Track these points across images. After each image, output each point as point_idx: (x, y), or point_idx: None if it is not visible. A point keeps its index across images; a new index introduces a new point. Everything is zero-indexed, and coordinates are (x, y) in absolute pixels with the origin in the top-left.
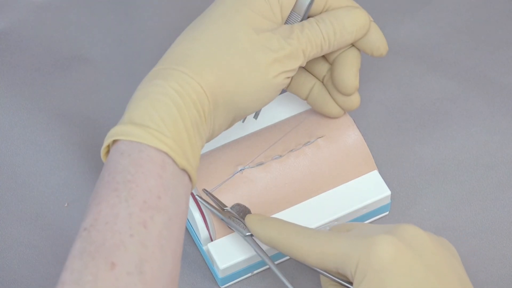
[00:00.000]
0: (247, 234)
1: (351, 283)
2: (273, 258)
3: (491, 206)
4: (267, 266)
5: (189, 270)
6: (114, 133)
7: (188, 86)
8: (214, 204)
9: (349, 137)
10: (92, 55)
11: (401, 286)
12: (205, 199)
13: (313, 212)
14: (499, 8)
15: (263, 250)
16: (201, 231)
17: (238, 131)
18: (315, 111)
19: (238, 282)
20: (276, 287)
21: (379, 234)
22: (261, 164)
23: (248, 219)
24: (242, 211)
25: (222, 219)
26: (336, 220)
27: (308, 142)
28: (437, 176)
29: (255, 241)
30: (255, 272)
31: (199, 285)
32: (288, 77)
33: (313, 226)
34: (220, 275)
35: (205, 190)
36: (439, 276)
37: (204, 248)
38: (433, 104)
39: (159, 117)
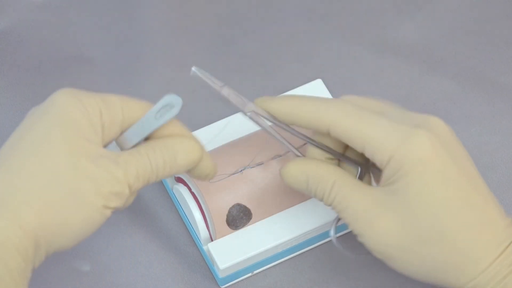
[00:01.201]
0: (248, 112)
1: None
2: (273, 258)
3: None
4: (267, 266)
5: (189, 270)
6: None
7: (11, 233)
8: (211, 82)
9: None
10: (92, 55)
11: (442, 185)
12: (202, 76)
13: (313, 212)
14: (499, 8)
15: (268, 125)
16: (201, 231)
17: (238, 131)
18: None
19: (238, 282)
20: (276, 287)
21: (416, 128)
22: (261, 164)
23: (259, 100)
24: (242, 211)
25: (222, 98)
26: (336, 219)
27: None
28: None
29: (258, 118)
30: (255, 272)
31: (199, 285)
32: (114, 210)
33: (313, 226)
34: (220, 275)
35: (196, 68)
36: (469, 177)
37: (204, 248)
38: (433, 104)
39: None
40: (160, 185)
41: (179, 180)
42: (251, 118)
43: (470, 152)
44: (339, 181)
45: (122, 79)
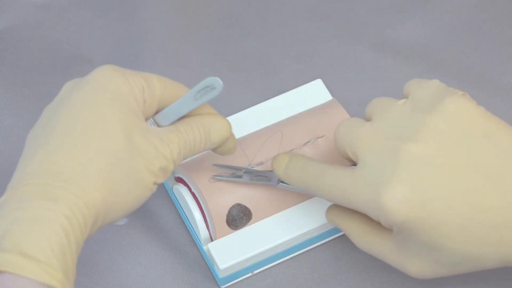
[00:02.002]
0: (277, 184)
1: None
2: (273, 258)
3: None
4: (267, 266)
5: (189, 270)
6: (2, 262)
7: (76, 210)
8: (231, 175)
9: None
10: (92, 55)
11: (429, 222)
12: (221, 174)
13: (313, 212)
14: (499, 8)
15: (295, 189)
16: (201, 231)
17: (238, 131)
18: (315, 111)
19: (238, 282)
20: (276, 287)
21: (384, 191)
22: (261, 164)
23: (275, 165)
24: (242, 211)
25: (248, 182)
26: None
27: (308, 142)
28: None
29: (286, 186)
30: (255, 272)
31: (199, 285)
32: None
33: (313, 226)
34: (220, 275)
35: (216, 164)
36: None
37: (204, 248)
38: None
39: (50, 249)
40: (160, 185)
41: (179, 180)
42: (280, 187)
43: None
44: (361, 227)
45: None
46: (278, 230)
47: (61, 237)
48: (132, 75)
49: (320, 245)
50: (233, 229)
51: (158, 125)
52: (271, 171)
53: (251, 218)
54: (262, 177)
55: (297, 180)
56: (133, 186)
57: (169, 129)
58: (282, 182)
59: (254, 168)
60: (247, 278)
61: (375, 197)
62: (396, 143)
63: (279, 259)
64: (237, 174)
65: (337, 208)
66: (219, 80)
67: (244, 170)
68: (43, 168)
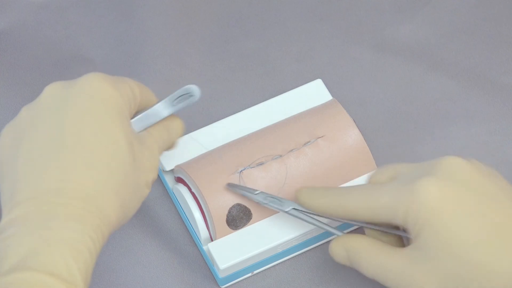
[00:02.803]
0: (286, 210)
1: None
2: (273, 258)
3: None
4: (267, 266)
5: (189, 270)
6: (32, 281)
7: (99, 230)
8: (246, 189)
9: (349, 137)
10: (92, 55)
11: (455, 222)
12: (236, 186)
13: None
14: (499, 8)
15: (310, 218)
16: (202, 231)
17: (238, 131)
18: (315, 111)
19: (238, 282)
20: (276, 287)
21: (419, 180)
22: (261, 164)
23: (299, 195)
24: (242, 211)
25: (259, 203)
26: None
27: (308, 142)
28: None
29: (298, 214)
30: (255, 272)
31: (199, 285)
32: None
33: (313, 226)
34: (220, 275)
35: (231, 184)
36: (491, 201)
37: (205, 248)
38: (433, 104)
39: (77, 269)
40: (160, 185)
41: (179, 180)
42: (292, 214)
43: (470, 152)
44: (372, 250)
45: None
46: (278, 230)
47: (86, 257)
48: (119, 83)
49: (320, 245)
50: (233, 229)
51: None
52: (283, 199)
53: (251, 218)
54: (275, 200)
55: (321, 202)
56: (136, 200)
57: (146, 135)
58: (295, 209)
59: (267, 192)
60: (247, 278)
61: (406, 188)
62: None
63: (279, 259)
64: (250, 191)
65: (342, 239)
66: (197, 88)
67: (258, 191)
68: (62, 187)
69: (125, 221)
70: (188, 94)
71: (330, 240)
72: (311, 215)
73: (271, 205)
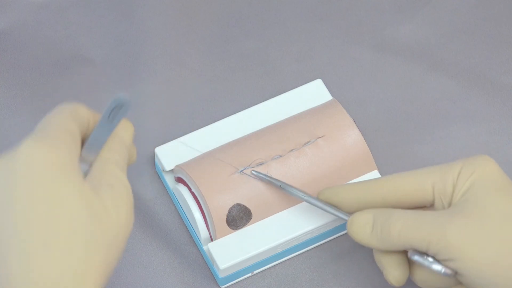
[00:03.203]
0: (305, 198)
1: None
2: (273, 258)
3: None
4: (267, 266)
5: (189, 270)
6: None
7: None
8: (272, 180)
9: (349, 137)
10: (92, 55)
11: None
12: (260, 173)
13: (314, 212)
14: (499, 8)
15: (328, 206)
16: (202, 231)
17: (238, 131)
18: (315, 111)
19: (238, 282)
20: (276, 287)
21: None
22: (261, 164)
23: (324, 193)
24: (242, 211)
25: (282, 189)
26: (336, 220)
27: (308, 142)
28: None
29: (316, 202)
30: (255, 272)
31: (199, 285)
32: None
33: (313, 226)
34: (220, 275)
35: (256, 172)
36: None
37: (205, 248)
38: (433, 104)
39: None
40: (160, 185)
41: (179, 180)
42: (313, 204)
43: (470, 152)
44: (402, 210)
45: (122, 79)
46: (278, 230)
47: None
48: (57, 137)
49: (320, 245)
50: (233, 229)
51: (86, 160)
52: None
53: (251, 218)
54: (293, 189)
55: (350, 195)
56: (115, 254)
57: (100, 174)
58: (309, 197)
59: (290, 185)
60: (247, 278)
61: (458, 160)
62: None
63: (279, 259)
64: (274, 180)
65: (367, 210)
66: (125, 95)
67: (281, 184)
68: (27, 277)
69: (110, 275)
70: (119, 105)
71: (330, 240)
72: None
73: (299, 194)
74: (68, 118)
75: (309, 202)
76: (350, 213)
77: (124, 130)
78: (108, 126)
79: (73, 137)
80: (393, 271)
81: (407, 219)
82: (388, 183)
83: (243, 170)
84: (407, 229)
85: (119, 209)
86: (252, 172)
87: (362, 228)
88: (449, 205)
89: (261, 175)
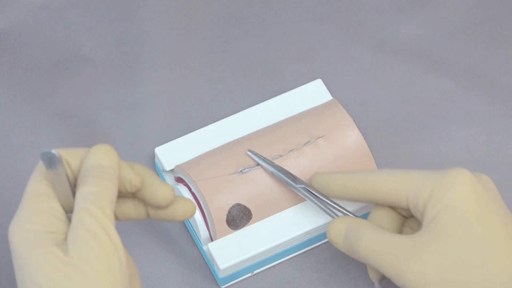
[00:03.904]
0: (297, 186)
1: None
2: (273, 258)
3: None
4: (267, 266)
5: (189, 270)
6: None
7: None
8: (264, 158)
9: (349, 137)
10: (92, 55)
11: (477, 218)
12: (256, 154)
13: (313, 212)
14: (499, 8)
15: (319, 198)
16: (202, 231)
17: (238, 131)
18: (315, 111)
19: (238, 282)
20: (276, 287)
21: (452, 168)
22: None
23: (315, 177)
24: (242, 211)
25: (272, 172)
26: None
27: (308, 142)
28: None
29: (307, 191)
30: (255, 272)
31: (199, 285)
32: None
33: (313, 226)
34: (220, 275)
35: (250, 151)
36: (508, 222)
37: (205, 248)
38: (433, 104)
39: None
40: None
41: (179, 180)
42: (301, 192)
43: (470, 152)
44: (373, 227)
45: (122, 79)
46: (278, 230)
47: None
48: (28, 222)
49: (320, 245)
50: (233, 229)
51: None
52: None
53: (251, 218)
54: (290, 176)
55: (339, 182)
56: None
57: (74, 218)
58: (306, 188)
59: (283, 169)
60: (247, 278)
61: (436, 172)
62: None
63: (279, 259)
64: (268, 162)
65: (345, 217)
66: (47, 150)
67: (277, 164)
68: None
69: None
70: (50, 159)
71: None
72: (321, 197)
73: (284, 179)
74: (41, 185)
75: (297, 192)
76: (338, 199)
77: (95, 156)
78: (58, 175)
79: (44, 210)
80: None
81: (373, 244)
82: (369, 181)
83: (243, 170)
84: (372, 254)
85: (89, 262)
86: (247, 152)
87: (336, 237)
88: (422, 217)
89: (254, 156)
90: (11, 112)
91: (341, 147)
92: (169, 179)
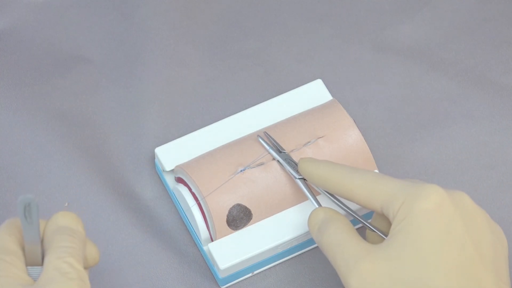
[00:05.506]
0: (298, 177)
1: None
2: (273, 259)
3: (491, 206)
4: (267, 267)
5: (189, 270)
6: None
7: None
8: (272, 145)
9: (349, 137)
10: (92, 55)
11: (435, 237)
12: (265, 140)
13: None
14: (499, 8)
15: (313, 194)
16: (202, 231)
17: (238, 131)
18: (315, 111)
19: (238, 282)
20: (277, 287)
21: (430, 183)
22: (261, 164)
23: (301, 161)
24: (242, 212)
25: (278, 161)
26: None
27: (308, 142)
28: (437, 176)
29: (306, 185)
30: (256, 272)
31: (199, 285)
32: None
33: None
34: (220, 275)
35: (265, 133)
36: (475, 240)
37: (205, 248)
38: (433, 104)
39: None
40: (160, 185)
41: (179, 180)
42: (298, 183)
43: (470, 152)
44: (345, 226)
45: (122, 79)
46: (278, 230)
47: None
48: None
49: None
50: (233, 229)
51: (39, 263)
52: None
53: (251, 218)
54: (293, 165)
55: (323, 172)
56: None
57: (43, 273)
58: (304, 179)
59: (291, 159)
60: (247, 278)
61: (412, 183)
62: None
63: (279, 259)
64: (276, 150)
65: (328, 207)
66: (28, 196)
67: (284, 152)
68: None
69: None
70: (28, 206)
71: None
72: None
73: (287, 168)
74: (5, 239)
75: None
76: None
77: (65, 219)
78: (31, 227)
79: (8, 262)
80: None
81: (334, 240)
82: (347, 179)
83: (243, 170)
84: (330, 250)
85: None
86: (258, 136)
87: (313, 225)
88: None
89: (263, 142)
90: (11, 112)
91: (341, 147)
92: (169, 179)
